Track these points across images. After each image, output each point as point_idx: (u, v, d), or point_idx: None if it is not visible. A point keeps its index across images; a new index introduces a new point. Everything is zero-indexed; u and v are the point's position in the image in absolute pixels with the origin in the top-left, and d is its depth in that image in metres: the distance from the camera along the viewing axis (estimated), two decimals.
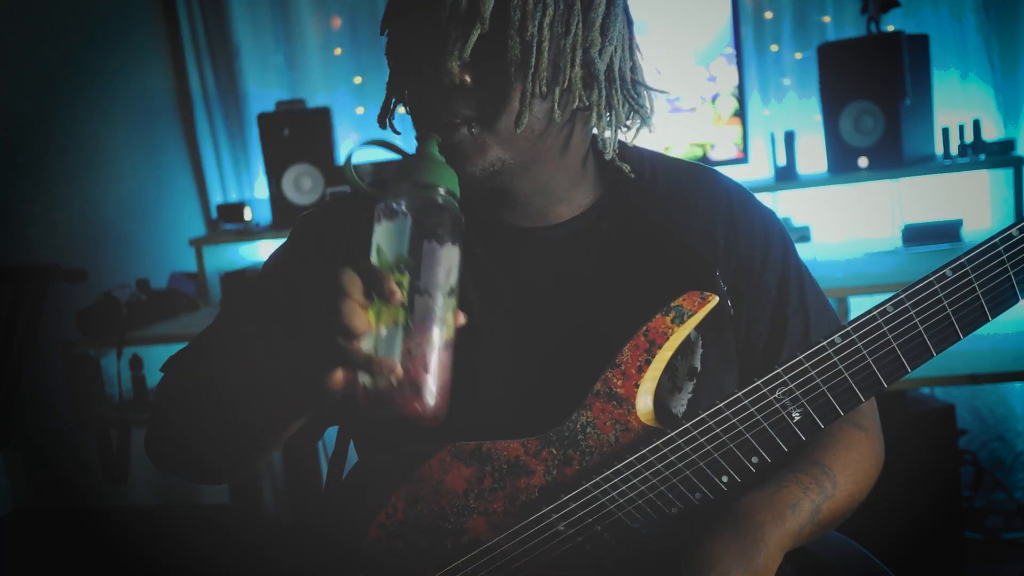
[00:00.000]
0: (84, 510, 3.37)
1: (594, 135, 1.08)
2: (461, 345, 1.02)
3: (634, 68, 1.04)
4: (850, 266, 2.58)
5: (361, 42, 3.31)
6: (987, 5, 2.77)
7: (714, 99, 2.84)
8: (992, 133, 2.79)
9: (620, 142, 1.07)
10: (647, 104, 1.05)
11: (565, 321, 1.05)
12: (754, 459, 0.95)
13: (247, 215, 3.09)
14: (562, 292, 1.06)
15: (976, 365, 2.25)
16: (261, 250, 3.32)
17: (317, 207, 1.17)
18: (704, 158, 2.84)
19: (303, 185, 3.03)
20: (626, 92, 1.03)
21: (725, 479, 0.96)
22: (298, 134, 3.01)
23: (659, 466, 0.96)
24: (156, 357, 2.91)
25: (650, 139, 1.10)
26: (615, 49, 1.00)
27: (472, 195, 1.06)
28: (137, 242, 3.36)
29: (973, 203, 2.84)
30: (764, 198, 2.93)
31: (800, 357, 0.94)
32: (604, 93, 1.00)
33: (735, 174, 2.84)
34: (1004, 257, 0.92)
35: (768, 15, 2.99)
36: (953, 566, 2.40)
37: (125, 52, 3.33)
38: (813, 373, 0.94)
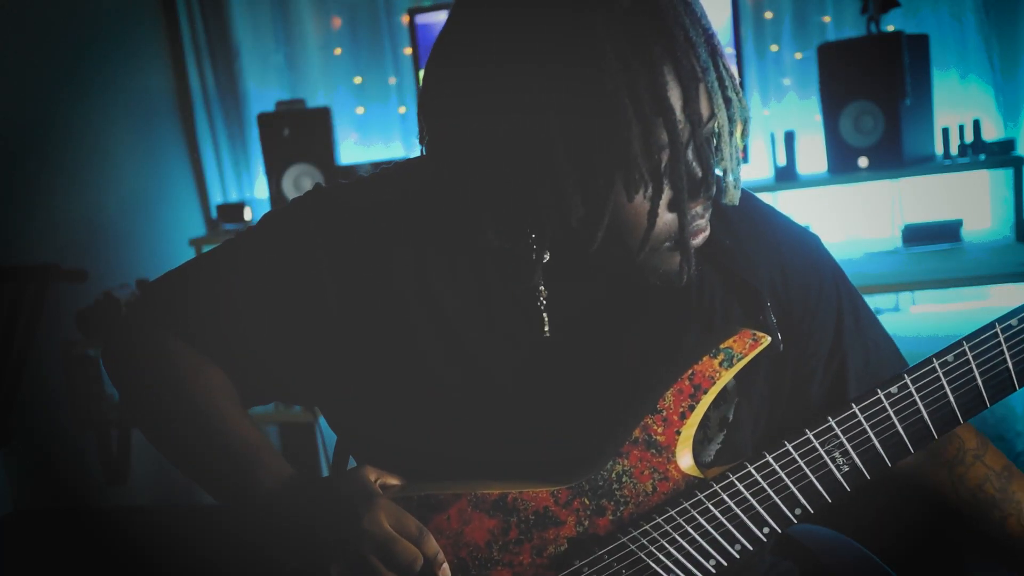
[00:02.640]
0: (84, 510, 3.37)
1: None
2: (490, 380, 0.96)
3: None
4: (850, 266, 2.55)
5: (361, 42, 3.32)
6: (987, 5, 2.77)
7: None
8: (992, 133, 2.79)
9: None
10: None
11: (607, 359, 0.98)
12: (797, 511, 0.92)
13: (247, 215, 3.09)
14: (608, 327, 0.99)
15: None
16: None
17: (333, 187, 1.06)
18: None
19: (303, 185, 3.03)
20: None
21: (766, 530, 0.92)
22: (298, 134, 3.01)
23: (700, 519, 0.92)
24: None
25: None
26: None
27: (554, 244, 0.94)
28: (137, 242, 3.36)
29: (973, 203, 2.84)
30: (764, 198, 2.94)
31: (855, 409, 0.91)
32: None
33: None
34: None
35: (768, 15, 3.00)
36: (953, 566, 2.40)
37: (125, 52, 3.33)
38: (866, 426, 0.91)
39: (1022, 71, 2.80)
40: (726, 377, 0.92)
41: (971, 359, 0.89)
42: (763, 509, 0.91)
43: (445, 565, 0.90)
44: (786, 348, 0.99)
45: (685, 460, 0.93)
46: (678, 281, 0.92)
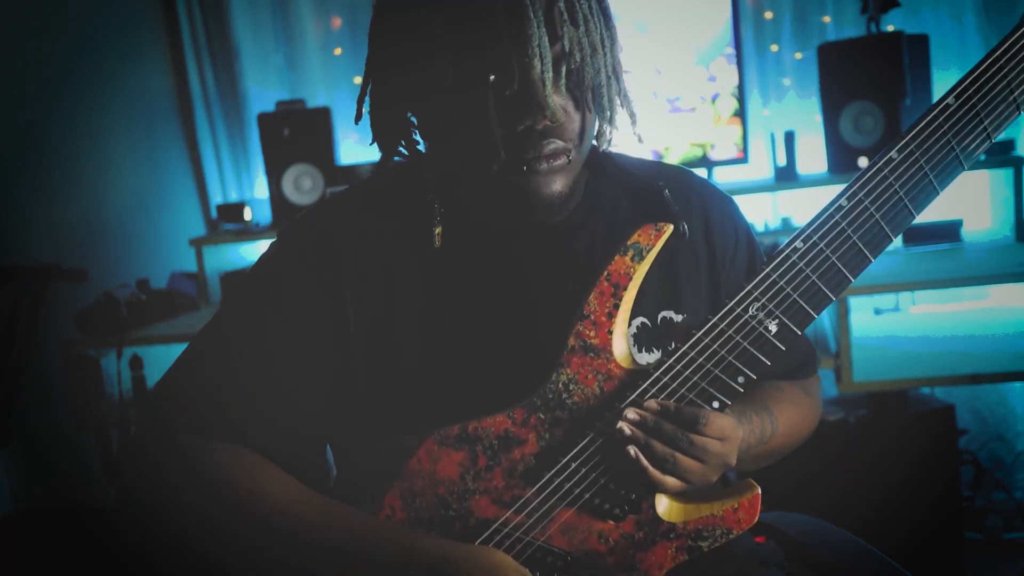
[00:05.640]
0: (84, 510, 3.37)
1: None
2: (441, 331, 1.03)
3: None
4: None
5: (361, 42, 3.29)
6: (987, 5, 2.77)
7: (714, 99, 2.84)
8: None
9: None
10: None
11: (548, 297, 1.07)
12: (740, 379, 0.98)
13: (247, 215, 3.09)
14: (555, 276, 1.08)
15: (976, 365, 2.24)
16: (261, 250, 3.32)
17: (306, 212, 1.16)
18: (704, 158, 2.84)
19: (303, 185, 3.03)
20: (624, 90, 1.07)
21: (716, 404, 0.98)
22: (298, 134, 3.01)
23: None
24: (156, 357, 2.91)
25: (651, 139, 1.11)
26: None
27: (500, 197, 1.04)
28: (137, 242, 3.36)
29: (973, 203, 2.84)
30: (764, 198, 2.95)
31: (767, 270, 0.97)
32: (624, 95, 1.05)
33: (735, 174, 2.86)
34: (945, 128, 0.96)
35: (768, 15, 3.00)
36: (953, 566, 2.40)
37: (125, 52, 3.33)
38: (782, 283, 0.97)
39: None
40: (641, 270, 0.99)
41: (863, 197, 1.01)
42: (707, 384, 0.98)
43: None
44: (715, 295, 1.12)
45: (623, 356, 0.99)
46: (559, 190, 0.99)
